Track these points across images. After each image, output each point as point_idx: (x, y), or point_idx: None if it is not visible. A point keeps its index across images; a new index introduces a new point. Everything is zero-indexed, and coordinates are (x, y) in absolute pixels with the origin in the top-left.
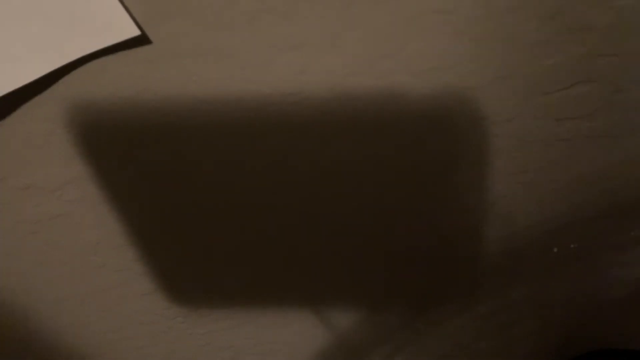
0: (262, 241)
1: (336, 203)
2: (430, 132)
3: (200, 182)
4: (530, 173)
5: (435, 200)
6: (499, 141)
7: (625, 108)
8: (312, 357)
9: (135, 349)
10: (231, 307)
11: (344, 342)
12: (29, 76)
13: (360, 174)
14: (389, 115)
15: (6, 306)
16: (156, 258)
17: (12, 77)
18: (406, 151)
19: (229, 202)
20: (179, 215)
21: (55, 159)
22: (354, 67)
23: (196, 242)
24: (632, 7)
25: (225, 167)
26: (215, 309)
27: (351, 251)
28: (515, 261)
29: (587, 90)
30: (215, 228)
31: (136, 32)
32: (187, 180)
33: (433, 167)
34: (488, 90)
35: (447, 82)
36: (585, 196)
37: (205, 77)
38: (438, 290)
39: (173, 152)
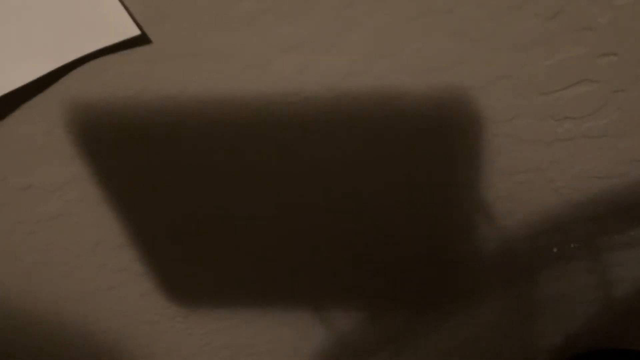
0: (261, 241)
1: (336, 203)
2: (430, 132)
3: (200, 182)
4: (530, 173)
5: (435, 200)
6: (498, 141)
7: (625, 108)
8: (312, 357)
9: (135, 348)
10: (231, 307)
11: (344, 342)
12: (29, 76)
13: (359, 174)
14: (389, 115)
15: (6, 306)
16: (156, 258)
17: (12, 77)
18: (406, 151)
19: (229, 201)
20: (178, 215)
21: (55, 159)
22: (354, 67)
23: (196, 242)
24: (632, 7)
25: (225, 167)
26: (215, 309)
27: (351, 251)
28: (515, 261)
29: (587, 90)
30: (215, 228)
31: (136, 31)
32: (187, 180)
33: (433, 167)
34: (488, 90)
35: (447, 82)
36: (585, 196)
37: (205, 77)
38: (437, 289)
39: (173, 152)
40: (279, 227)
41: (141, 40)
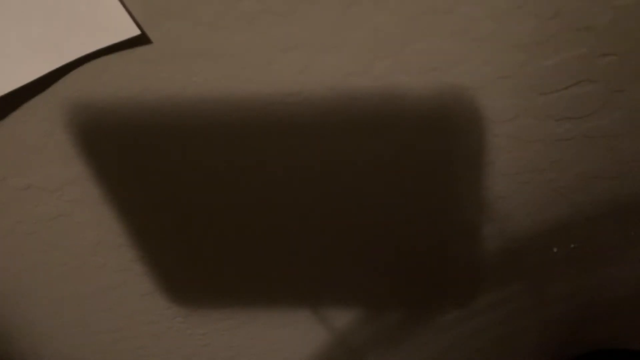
0: (262, 241)
1: (336, 203)
2: (430, 132)
3: (200, 182)
4: (530, 173)
5: (435, 200)
6: (499, 141)
7: (625, 108)
8: (312, 357)
9: (135, 349)
10: (231, 307)
11: (344, 342)
12: (29, 76)
13: (360, 174)
14: (388, 115)
15: (6, 306)
16: (156, 258)
17: (12, 77)
18: (406, 151)
19: (229, 201)
20: (179, 215)
21: (55, 159)
22: (354, 67)
23: (196, 242)
24: (632, 7)
25: (225, 167)
26: (216, 309)
27: (351, 251)
28: (515, 261)
29: (587, 90)
30: (215, 228)
31: (136, 31)
32: (187, 180)
33: (433, 167)
34: (488, 90)
35: (447, 82)
36: (585, 196)
37: (205, 77)
38: (437, 289)
39: (173, 152)
40: (280, 227)
41: (141, 40)
